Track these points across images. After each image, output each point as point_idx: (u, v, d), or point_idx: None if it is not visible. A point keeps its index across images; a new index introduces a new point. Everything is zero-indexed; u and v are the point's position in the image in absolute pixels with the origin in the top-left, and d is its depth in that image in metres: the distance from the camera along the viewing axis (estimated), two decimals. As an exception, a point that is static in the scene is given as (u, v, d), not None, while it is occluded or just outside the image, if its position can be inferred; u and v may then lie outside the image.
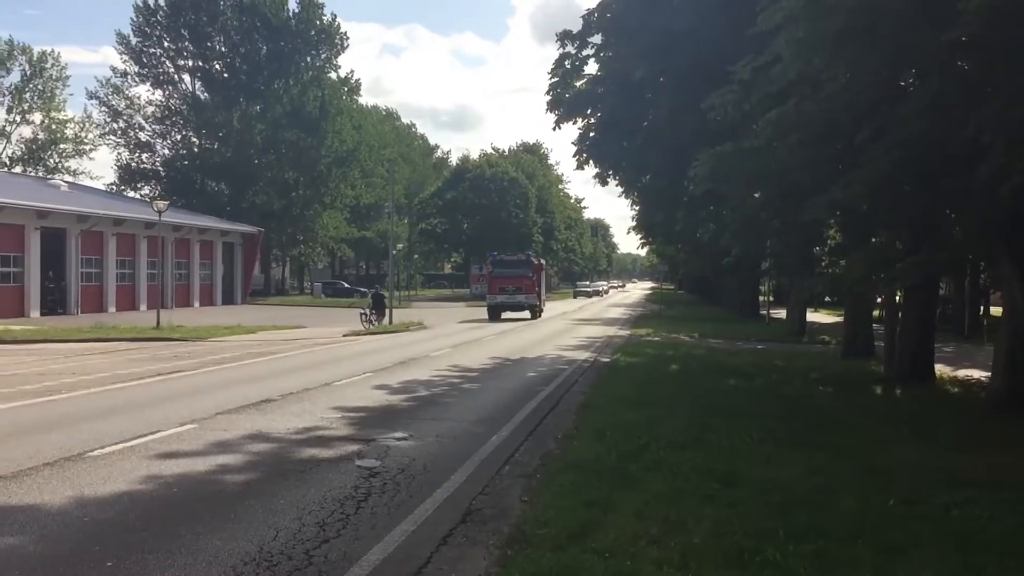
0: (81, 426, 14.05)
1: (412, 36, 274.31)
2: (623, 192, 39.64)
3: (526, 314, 58.01)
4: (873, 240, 20.13)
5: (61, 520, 8.75)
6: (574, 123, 31.72)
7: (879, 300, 31.97)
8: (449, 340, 36.03)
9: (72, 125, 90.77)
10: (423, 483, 10.51)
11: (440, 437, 13.57)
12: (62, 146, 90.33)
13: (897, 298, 24.85)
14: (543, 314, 61.10)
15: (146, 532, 8.37)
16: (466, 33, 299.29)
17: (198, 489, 10.08)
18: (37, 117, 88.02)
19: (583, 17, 29.17)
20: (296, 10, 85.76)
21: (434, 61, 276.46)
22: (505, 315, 57.55)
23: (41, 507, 9.17)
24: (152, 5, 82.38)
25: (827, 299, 42.79)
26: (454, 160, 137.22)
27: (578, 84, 31.26)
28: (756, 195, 21.08)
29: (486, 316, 56.82)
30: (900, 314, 23.57)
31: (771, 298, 61.76)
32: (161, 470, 10.92)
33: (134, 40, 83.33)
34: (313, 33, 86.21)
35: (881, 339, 28.14)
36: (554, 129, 35.42)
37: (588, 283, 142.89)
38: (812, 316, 47.39)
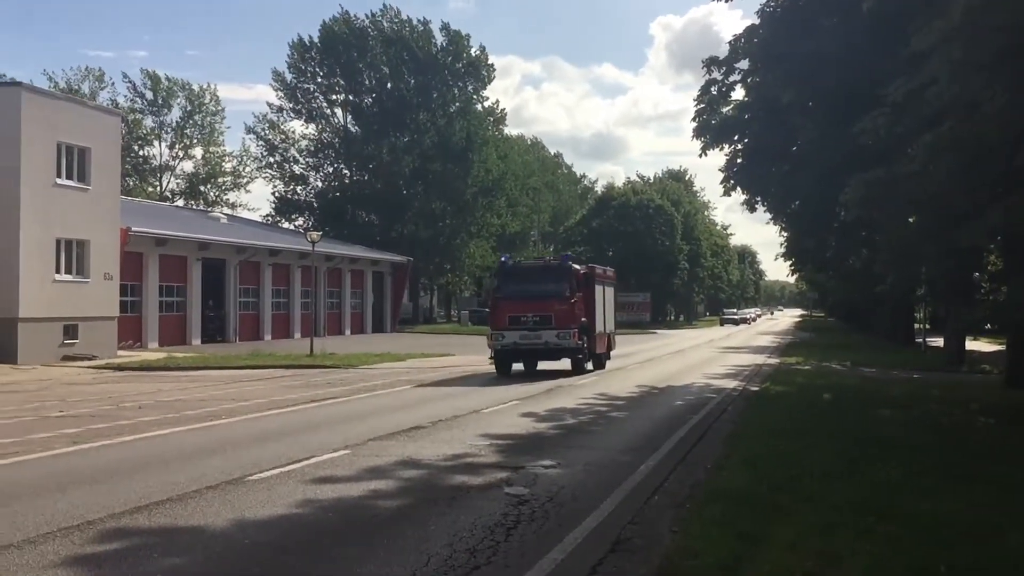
0: (240, 451, 14.54)
1: (550, 68, 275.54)
2: (771, 218, 39.18)
3: (565, 363, 31.81)
4: (1037, 266, 19.36)
5: (223, 542, 9.05)
6: (720, 149, 31.54)
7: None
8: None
9: (230, 159, 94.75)
10: (572, 511, 10.46)
11: (588, 465, 13.50)
12: (221, 180, 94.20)
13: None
14: (609, 362, 36.40)
15: (303, 556, 8.58)
16: (604, 64, 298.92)
17: (352, 514, 10.29)
18: (198, 152, 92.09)
19: (730, 43, 29.08)
20: (443, 43, 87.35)
21: (573, 91, 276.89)
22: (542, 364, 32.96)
23: (205, 529, 9.50)
24: (307, 43, 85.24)
25: (988, 327, 41.25)
26: (599, 188, 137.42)
27: (724, 110, 31.09)
28: (910, 220, 20.52)
29: (632, 341, 50.77)
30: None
31: (927, 326, 59.50)
32: (317, 495, 11.18)
33: (289, 77, 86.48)
34: (460, 65, 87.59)
35: (1047, 368, 26.88)
36: (700, 156, 34.65)
37: (735, 310, 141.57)
38: (971, 344, 45.60)
